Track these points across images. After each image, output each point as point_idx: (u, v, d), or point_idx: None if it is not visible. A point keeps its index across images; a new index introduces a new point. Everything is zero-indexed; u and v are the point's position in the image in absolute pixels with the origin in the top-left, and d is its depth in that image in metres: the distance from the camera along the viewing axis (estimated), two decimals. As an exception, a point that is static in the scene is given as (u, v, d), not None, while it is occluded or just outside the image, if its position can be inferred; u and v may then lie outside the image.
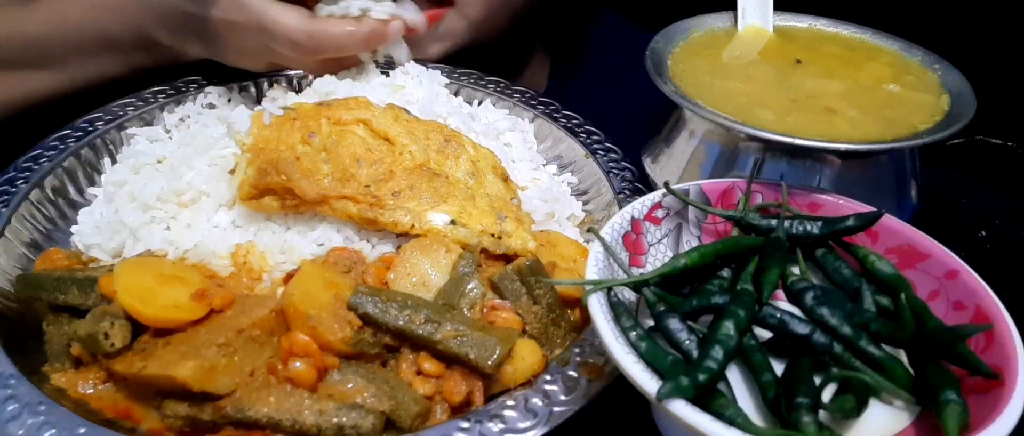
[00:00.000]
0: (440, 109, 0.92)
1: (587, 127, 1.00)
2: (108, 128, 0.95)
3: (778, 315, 0.58)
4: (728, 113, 0.74)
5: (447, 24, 1.03)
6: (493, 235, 0.76)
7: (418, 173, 0.79)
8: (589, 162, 0.94)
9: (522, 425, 0.61)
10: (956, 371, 0.54)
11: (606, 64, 1.26)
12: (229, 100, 1.03)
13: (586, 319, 0.70)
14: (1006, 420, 0.48)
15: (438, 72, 1.03)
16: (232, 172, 0.80)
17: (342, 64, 0.99)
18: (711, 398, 0.52)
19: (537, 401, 0.63)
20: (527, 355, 0.66)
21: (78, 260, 0.78)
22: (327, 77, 0.97)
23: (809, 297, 0.60)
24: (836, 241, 0.67)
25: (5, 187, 0.84)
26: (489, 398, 0.65)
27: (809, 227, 0.66)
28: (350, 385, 0.63)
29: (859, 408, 0.52)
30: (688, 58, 0.86)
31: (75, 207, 0.86)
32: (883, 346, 0.57)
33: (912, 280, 0.63)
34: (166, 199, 0.79)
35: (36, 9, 0.98)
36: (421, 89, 0.97)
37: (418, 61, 1.01)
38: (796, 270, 0.65)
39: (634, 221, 0.68)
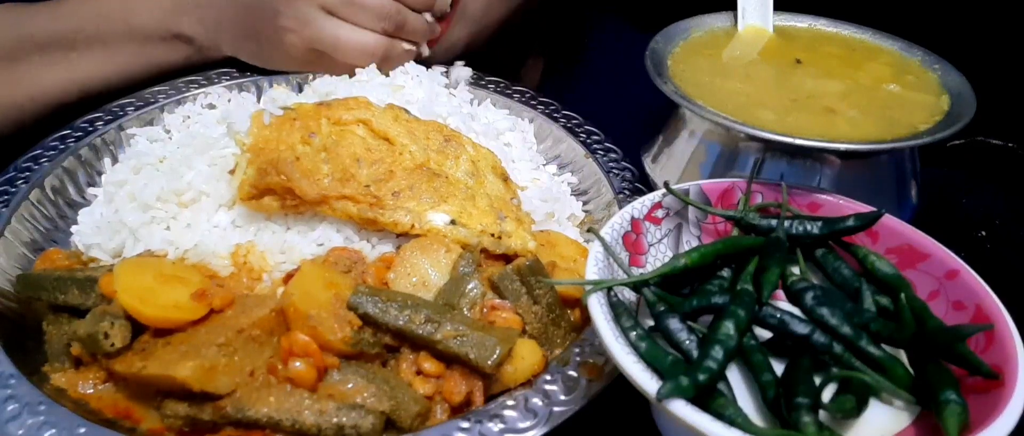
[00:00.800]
0: (440, 109, 0.92)
1: (587, 127, 1.00)
2: (108, 128, 0.95)
3: (778, 315, 0.58)
4: (728, 113, 0.74)
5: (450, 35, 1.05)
6: (493, 235, 0.76)
7: (418, 173, 0.79)
8: (589, 162, 0.94)
9: (522, 425, 0.61)
10: (956, 371, 0.54)
11: (606, 64, 1.26)
12: (229, 100, 1.02)
13: (586, 319, 0.70)
14: (1006, 420, 0.48)
15: (438, 72, 1.03)
16: (232, 172, 0.80)
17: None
18: (711, 398, 0.52)
19: (537, 401, 0.63)
20: (527, 355, 0.66)
21: (78, 260, 0.78)
22: (327, 77, 0.97)
23: (809, 297, 0.60)
24: (836, 241, 0.67)
25: (5, 187, 0.84)
26: (489, 398, 0.65)
27: (809, 227, 0.66)
28: (350, 385, 0.63)
29: (859, 408, 0.52)
30: (688, 58, 0.86)
31: (75, 207, 0.86)
32: (883, 346, 0.57)
33: (912, 280, 0.63)
34: (166, 199, 0.79)
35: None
36: (421, 89, 0.97)
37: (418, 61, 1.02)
38: (796, 270, 0.65)
39: (634, 221, 0.68)
